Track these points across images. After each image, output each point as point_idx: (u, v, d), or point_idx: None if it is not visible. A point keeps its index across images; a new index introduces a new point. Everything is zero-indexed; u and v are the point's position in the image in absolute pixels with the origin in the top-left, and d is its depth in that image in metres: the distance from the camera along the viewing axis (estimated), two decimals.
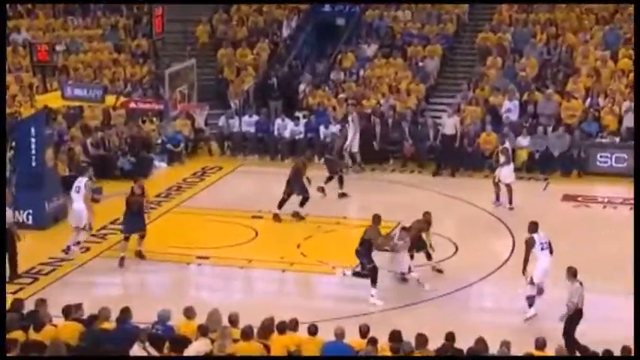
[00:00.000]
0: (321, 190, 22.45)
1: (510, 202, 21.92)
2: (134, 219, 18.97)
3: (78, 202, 19.04)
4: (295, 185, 21.16)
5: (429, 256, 18.26)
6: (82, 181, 19.23)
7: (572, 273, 14.89)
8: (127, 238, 19.04)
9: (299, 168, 21.37)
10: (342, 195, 22.75)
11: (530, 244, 16.10)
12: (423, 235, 18.08)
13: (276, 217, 21.13)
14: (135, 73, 29.33)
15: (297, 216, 21.12)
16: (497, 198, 22.14)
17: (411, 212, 19.79)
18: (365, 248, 16.96)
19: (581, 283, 14.84)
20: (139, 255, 19.07)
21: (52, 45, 25.97)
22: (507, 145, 22.44)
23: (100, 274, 18.50)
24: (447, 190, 23.34)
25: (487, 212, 21.80)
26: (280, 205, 21.09)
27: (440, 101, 28.07)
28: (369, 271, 16.84)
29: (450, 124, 25.18)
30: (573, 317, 14.72)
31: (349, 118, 24.84)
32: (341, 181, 22.84)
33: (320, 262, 17.75)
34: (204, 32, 31.36)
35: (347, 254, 19.20)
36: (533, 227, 16.34)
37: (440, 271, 18.23)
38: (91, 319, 13.64)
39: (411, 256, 17.80)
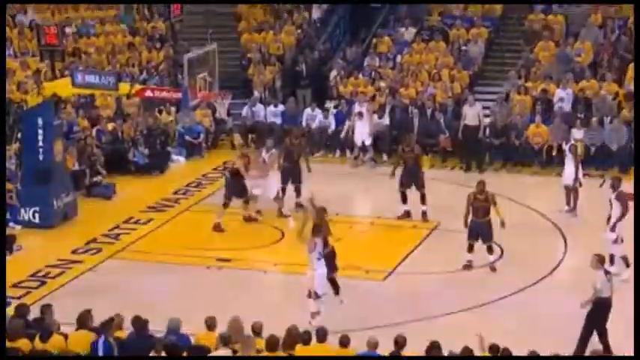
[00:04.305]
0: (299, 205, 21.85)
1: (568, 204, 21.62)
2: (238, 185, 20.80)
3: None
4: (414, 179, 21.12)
5: (490, 249, 18.48)
6: None
7: (598, 260, 15.20)
8: (246, 202, 21.05)
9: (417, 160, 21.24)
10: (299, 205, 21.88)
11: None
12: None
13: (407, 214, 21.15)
14: (151, 59, 29.45)
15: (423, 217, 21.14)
16: (568, 202, 21.68)
17: (450, 212, 19.75)
18: None
19: (608, 272, 15.09)
20: (250, 219, 20.98)
21: (61, 27, 26.15)
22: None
23: (113, 277, 18.59)
24: (491, 187, 23.07)
25: (537, 212, 21.70)
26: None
27: (485, 90, 27.98)
28: None
29: (472, 114, 25.03)
30: (597, 308, 14.89)
31: (361, 109, 24.98)
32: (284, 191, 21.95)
33: (352, 266, 17.72)
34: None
35: (381, 257, 19.24)
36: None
37: (494, 269, 18.42)
38: (103, 327, 13.68)
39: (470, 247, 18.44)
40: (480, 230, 18.52)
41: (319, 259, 16.22)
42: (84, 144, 23.91)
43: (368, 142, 25.19)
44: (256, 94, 28.22)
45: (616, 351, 14.78)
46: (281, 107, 27.36)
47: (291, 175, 21.84)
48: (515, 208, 21.98)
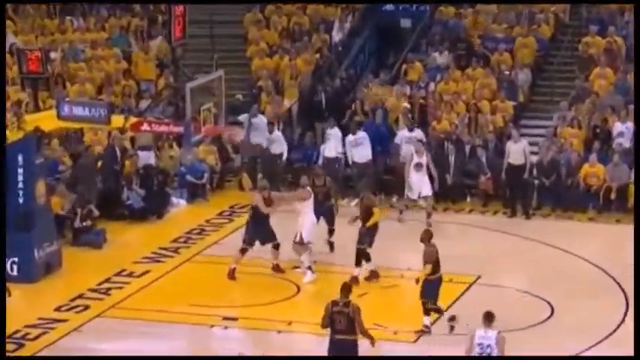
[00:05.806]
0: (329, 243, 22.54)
1: None
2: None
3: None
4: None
5: (424, 308, 18.32)
6: None
7: None
8: (276, 248, 21.17)
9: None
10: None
11: None
12: None
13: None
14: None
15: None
16: None
17: (490, 264, 19.70)
18: None
19: None
20: (278, 269, 21.10)
21: (45, 52, 26.20)
22: None
23: (102, 338, 18.54)
24: (540, 235, 23.17)
25: (591, 264, 21.59)
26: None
27: (532, 123, 27.95)
28: None
29: (516, 151, 24.90)
30: None
31: (420, 160, 24.70)
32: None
33: (377, 326, 17.56)
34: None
35: (412, 315, 19.08)
36: None
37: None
38: None
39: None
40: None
41: None
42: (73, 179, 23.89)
43: (427, 192, 24.39)
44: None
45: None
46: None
47: (321, 215, 22.12)
48: (566, 259, 21.93)
